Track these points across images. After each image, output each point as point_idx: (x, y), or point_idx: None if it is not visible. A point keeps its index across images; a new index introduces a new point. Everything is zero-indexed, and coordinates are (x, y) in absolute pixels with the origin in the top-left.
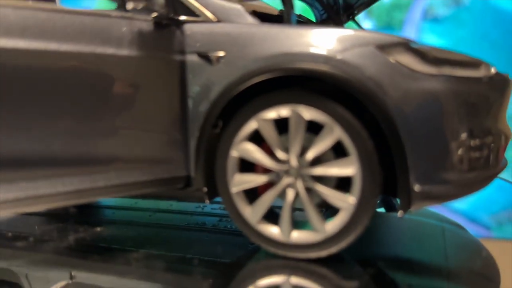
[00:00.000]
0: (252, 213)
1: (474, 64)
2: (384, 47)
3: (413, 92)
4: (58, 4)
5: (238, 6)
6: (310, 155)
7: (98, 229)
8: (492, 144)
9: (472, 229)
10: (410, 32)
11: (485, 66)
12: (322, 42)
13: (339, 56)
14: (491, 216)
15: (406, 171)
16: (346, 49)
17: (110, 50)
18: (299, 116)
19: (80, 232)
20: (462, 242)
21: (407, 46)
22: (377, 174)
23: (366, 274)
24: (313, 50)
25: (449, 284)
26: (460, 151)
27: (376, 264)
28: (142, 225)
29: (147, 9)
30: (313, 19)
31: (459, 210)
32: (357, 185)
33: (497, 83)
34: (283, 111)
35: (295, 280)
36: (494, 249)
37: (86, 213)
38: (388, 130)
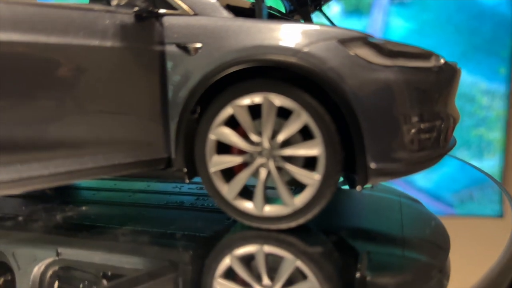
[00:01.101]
0: (228, 190)
1: (425, 55)
2: (345, 41)
3: (369, 81)
4: None
5: (213, 1)
6: (281, 137)
7: (83, 208)
8: (442, 126)
9: (436, 207)
10: (377, 16)
11: (435, 57)
12: (291, 36)
13: (305, 49)
14: (453, 194)
15: (363, 151)
16: (312, 42)
17: (95, 42)
18: (270, 103)
19: (65, 212)
20: (417, 214)
21: (365, 40)
22: (339, 154)
23: (330, 242)
24: (282, 43)
25: (403, 251)
26: (411, 133)
27: (338, 233)
28: (124, 204)
29: (129, 3)
30: (283, 10)
31: (423, 188)
32: (321, 164)
33: (446, 72)
34: (256, 98)
35: (267, 248)
36: (454, 225)
37: (69, 195)
38: (347, 115)
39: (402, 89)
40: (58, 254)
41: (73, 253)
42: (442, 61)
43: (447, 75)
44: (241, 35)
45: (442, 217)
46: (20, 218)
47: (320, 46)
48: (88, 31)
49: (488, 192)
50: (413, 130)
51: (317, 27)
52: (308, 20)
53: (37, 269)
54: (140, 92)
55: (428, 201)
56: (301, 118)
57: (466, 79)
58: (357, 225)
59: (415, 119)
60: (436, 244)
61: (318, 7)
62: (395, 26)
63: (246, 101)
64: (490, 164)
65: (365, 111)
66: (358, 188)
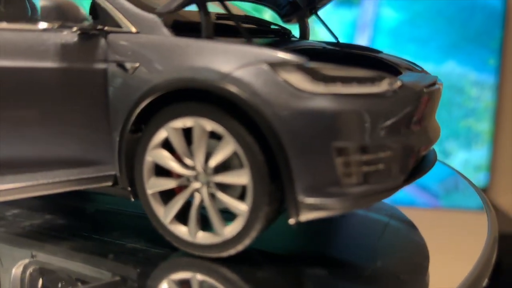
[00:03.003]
0: (164, 214)
1: (374, 79)
2: (276, 65)
3: (296, 110)
4: None
5: (155, 18)
6: (212, 163)
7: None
8: (393, 157)
9: (422, 199)
10: (368, 6)
11: (389, 81)
12: (222, 58)
13: (234, 73)
14: (439, 183)
15: (292, 183)
16: (242, 66)
17: (37, 63)
18: (201, 127)
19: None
20: (398, 241)
21: (298, 65)
22: (267, 185)
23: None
24: (212, 65)
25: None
26: (348, 166)
27: (292, 259)
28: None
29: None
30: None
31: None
32: (249, 195)
33: (403, 96)
34: (188, 122)
35: (201, 276)
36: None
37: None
38: (274, 146)
39: (335, 119)
40: (33, 256)
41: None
42: (398, 84)
43: (404, 100)
44: (174, 55)
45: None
46: None
47: (250, 70)
48: (29, 52)
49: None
50: (350, 163)
51: (250, 48)
52: (303, 25)
53: None
54: (85, 111)
55: (415, 191)
56: (229, 146)
57: (456, 70)
58: (318, 251)
59: (353, 151)
60: (398, 277)
61: (313, 11)
62: (386, 17)
63: (179, 124)
64: (478, 155)
65: (292, 142)
66: (291, 221)
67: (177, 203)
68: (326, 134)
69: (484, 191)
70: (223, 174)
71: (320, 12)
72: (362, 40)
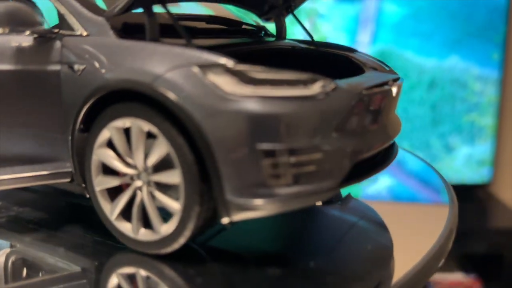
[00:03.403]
0: (110, 210)
1: (306, 82)
2: (204, 68)
3: (223, 112)
4: None
5: (103, 21)
6: (148, 163)
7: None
8: (327, 159)
9: (424, 194)
10: (371, 1)
11: (322, 83)
12: (157, 60)
13: (165, 75)
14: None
15: (221, 184)
16: (174, 68)
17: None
18: (139, 128)
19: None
20: (358, 244)
21: (226, 67)
22: (197, 185)
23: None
24: (146, 67)
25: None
26: (275, 168)
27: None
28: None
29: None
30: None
31: (413, 172)
32: (181, 194)
33: (337, 98)
34: (127, 122)
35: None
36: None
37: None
38: (202, 147)
39: (261, 121)
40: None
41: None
42: (331, 86)
43: (339, 102)
44: (116, 57)
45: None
46: None
47: (180, 72)
48: None
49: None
50: (278, 165)
51: (181, 50)
52: (279, 24)
53: None
54: (43, 110)
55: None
56: (162, 146)
57: (459, 65)
58: (268, 249)
59: (281, 153)
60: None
61: (289, 10)
62: (388, 12)
63: (119, 124)
64: (482, 149)
65: (220, 144)
66: (224, 221)
67: (121, 201)
68: (252, 136)
69: (487, 186)
70: (159, 173)
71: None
72: (364, 35)
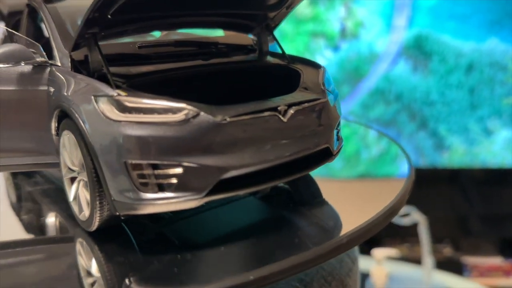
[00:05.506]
0: (69, 194)
1: (174, 110)
2: (97, 97)
3: (106, 134)
4: None
5: (67, 54)
6: (79, 164)
7: None
8: (188, 174)
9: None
10: None
11: (186, 112)
12: (77, 89)
13: (76, 102)
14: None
15: (107, 186)
16: (84, 96)
17: (10, 87)
18: (70, 137)
19: None
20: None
21: (109, 97)
22: (95, 184)
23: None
24: (69, 94)
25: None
26: (143, 178)
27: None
28: None
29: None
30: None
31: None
32: (89, 190)
33: (197, 124)
34: (67, 133)
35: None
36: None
37: None
38: (94, 158)
39: (130, 141)
40: None
41: None
42: (193, 114)
43: (200, 128)
44: (62, 84)
45: None
46: None
47: (86, 99)
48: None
49: None
50: (145, 175)
51: (93, 83)
52: (259, 41)
53: None
54: (39, 118)
55: None
56: (78, 154)
57: (499, 47)
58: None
59: (145, 166)
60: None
61: (269, 30)
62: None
63: (65, 132)
64: None
65: (104, 157)
66: (116, 214)
67: (73, 188)
68: (124, 152)
69: None
70: (82, 173)
71: None
72: (400, 19)
